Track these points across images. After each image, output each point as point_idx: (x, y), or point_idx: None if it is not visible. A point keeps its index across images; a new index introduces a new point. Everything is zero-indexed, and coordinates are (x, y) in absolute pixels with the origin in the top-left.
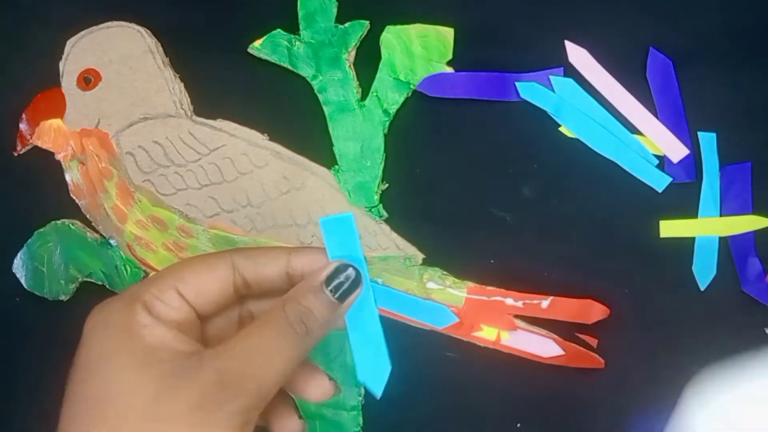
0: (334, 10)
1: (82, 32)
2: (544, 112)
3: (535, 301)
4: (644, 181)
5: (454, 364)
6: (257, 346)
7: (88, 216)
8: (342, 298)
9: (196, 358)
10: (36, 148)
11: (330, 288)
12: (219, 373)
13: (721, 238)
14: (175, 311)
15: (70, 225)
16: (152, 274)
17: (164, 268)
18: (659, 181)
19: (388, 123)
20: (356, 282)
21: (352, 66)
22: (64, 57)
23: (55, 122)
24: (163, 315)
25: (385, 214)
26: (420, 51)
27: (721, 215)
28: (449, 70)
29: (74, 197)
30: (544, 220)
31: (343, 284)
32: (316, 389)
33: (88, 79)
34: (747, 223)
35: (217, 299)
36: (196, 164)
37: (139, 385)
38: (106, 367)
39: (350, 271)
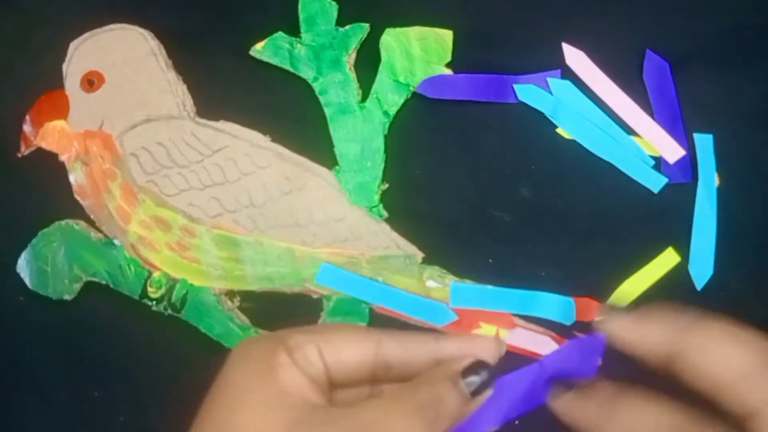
0: (335, 13)
1: (85, 34)
2: (542, 113)
3: None
4: (640, 181)
5: None
6: (382, 419)
7: (92, 216)
8: (473, 395)
9: (323, 412)
10: (40, 149)
11: (466, 381)
12: None
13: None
14: (311, 366)
15: (74, 225)
16: (304, 328)
17: (317, 325)
18: (655, 182)
19: (388, 124)
20: (488, 384)
21: (352, 68)
22: (67, 59)
23: (59, 124)
24: (300, 363)
25: (386, 214)
26: (419, 53)
27: (716, 215)
28: (448, 72)
29: (78, 198)
30: (541, 219)
31: (477, 382)
32: None
33: (91, 81)
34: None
35: (352, 371)
36: (199, 165)
37: (268, 425)
38: (239, 399)
39: (484, 373)
